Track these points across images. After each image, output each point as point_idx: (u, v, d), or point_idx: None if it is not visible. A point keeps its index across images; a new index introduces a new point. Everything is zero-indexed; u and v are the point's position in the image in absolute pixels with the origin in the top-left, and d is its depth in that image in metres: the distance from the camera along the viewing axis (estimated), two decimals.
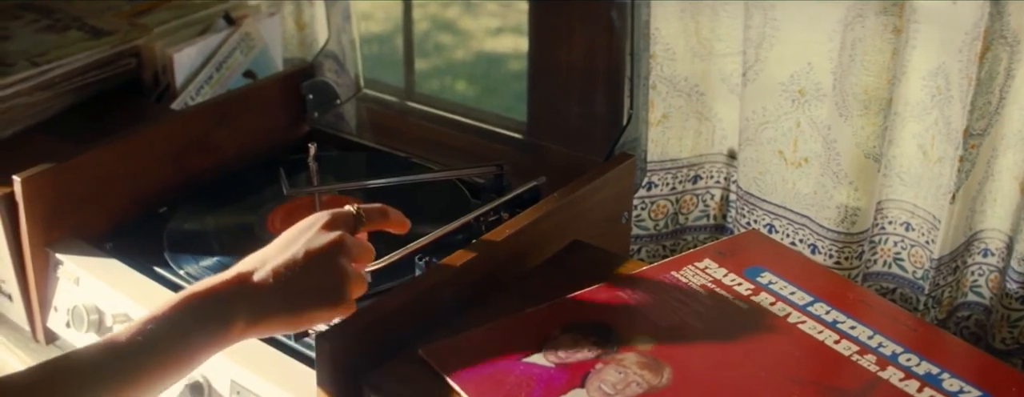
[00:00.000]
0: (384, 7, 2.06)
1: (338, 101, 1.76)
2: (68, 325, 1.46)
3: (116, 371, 1.05)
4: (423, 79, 2.18)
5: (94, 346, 1.06)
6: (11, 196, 1.46)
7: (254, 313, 1.10)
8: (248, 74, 1.78)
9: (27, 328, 1.56)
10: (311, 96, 1.72)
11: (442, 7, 2.21)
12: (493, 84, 2.52)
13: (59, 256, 1.48)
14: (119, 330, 1.07)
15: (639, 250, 1.67)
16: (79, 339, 1.45)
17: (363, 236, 1.22)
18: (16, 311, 1.56)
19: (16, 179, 1.44)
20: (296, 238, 1.15)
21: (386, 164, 1.66)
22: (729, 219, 1.66)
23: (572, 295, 1.21)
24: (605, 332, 1.14)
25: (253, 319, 1.10)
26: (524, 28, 1.78)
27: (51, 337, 1.54)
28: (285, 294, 1.11)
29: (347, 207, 1.20)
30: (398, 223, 1.26)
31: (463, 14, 2.48)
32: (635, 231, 1.65)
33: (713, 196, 1.66)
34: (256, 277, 1.12)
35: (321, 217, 1.18)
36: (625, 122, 1.53)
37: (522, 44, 1.84)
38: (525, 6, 1.76)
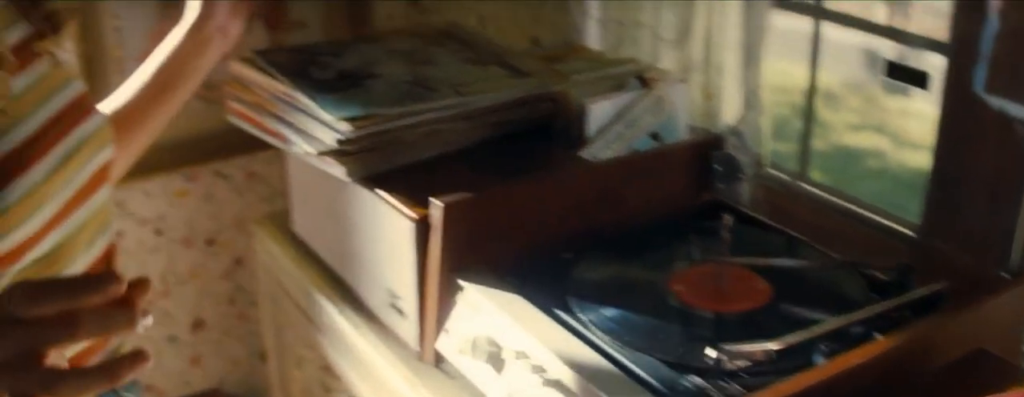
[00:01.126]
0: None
1: (741, 175, 1.79)
2: (461, 352, 1.50)
3: None
4: (779, 162, 2.19)
5: None
6: (426, 218, 1.51)
7: None
8: (654, 136, 1.81)
9: (414, 347, 1.62)
10: (720, 168, 1.75)
11: (803, 94, 2.22)
12: (848, 178, 2.53)
13: (462, 282, 1.53)
14: None
15: None
16: (470, 366, 1.50)
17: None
18: (407, 328, 1.62)
19: (437, 203, 1.49)
20: None
21: (781, 243, 1.67)
22: None
23: None
24: None
25: None
26: (885, 128, 1.78)
27: (438, 359, 1.59)
28: None
29: None
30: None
31: (824, 106, 2.49)
32: None
33: None
34: None
35: None
36: None
37: (881, 142, 1.84)
38: (888, 105, 1.77)
